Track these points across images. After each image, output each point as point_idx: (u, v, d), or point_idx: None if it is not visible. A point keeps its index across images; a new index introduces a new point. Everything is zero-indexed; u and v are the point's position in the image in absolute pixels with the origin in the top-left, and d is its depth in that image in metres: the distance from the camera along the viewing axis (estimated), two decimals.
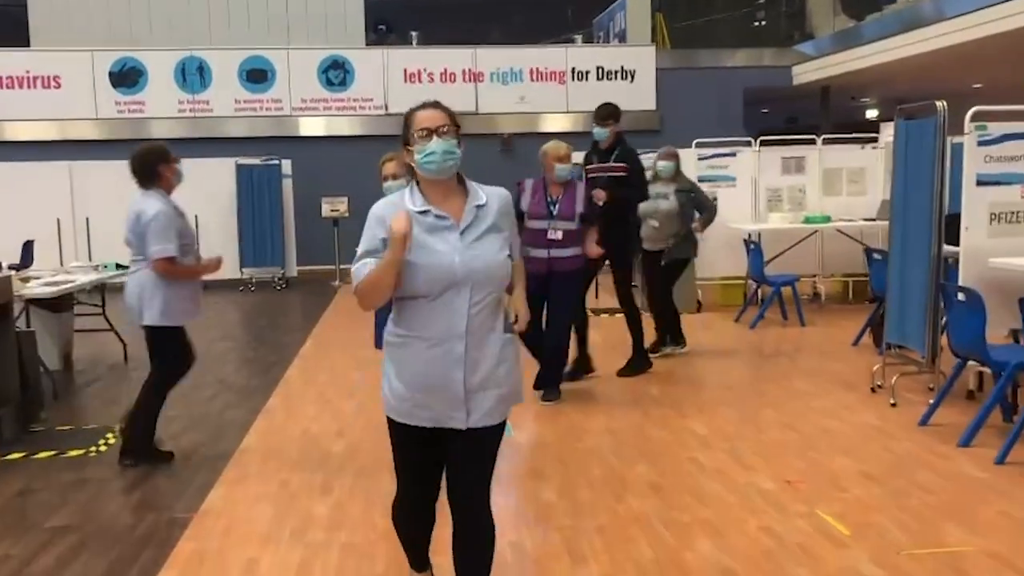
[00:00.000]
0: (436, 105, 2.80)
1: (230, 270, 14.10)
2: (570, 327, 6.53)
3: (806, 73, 16.24)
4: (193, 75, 15.58)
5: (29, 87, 15.20)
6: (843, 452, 5.09)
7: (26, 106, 15.08)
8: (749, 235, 9.80)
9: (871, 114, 20.45)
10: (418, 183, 2.79)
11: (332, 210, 14.14)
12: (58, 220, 13.81)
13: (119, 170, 15.75)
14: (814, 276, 10.61)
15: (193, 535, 4.12)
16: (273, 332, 9.86)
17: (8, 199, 13.40)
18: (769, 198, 10.65)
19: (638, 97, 16.30)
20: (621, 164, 6.85)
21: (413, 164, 2.75)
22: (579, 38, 18.31)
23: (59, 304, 7.55)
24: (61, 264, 11.68)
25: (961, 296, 5.23)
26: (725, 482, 4.65)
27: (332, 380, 7.25)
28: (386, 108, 15.67)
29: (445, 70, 15.97)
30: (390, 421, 2.87)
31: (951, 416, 5.56)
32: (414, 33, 17.49)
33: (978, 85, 16.32)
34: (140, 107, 15.50)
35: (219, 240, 12.81)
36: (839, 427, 5.60)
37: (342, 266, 13.86)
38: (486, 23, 20.54)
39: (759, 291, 9.78)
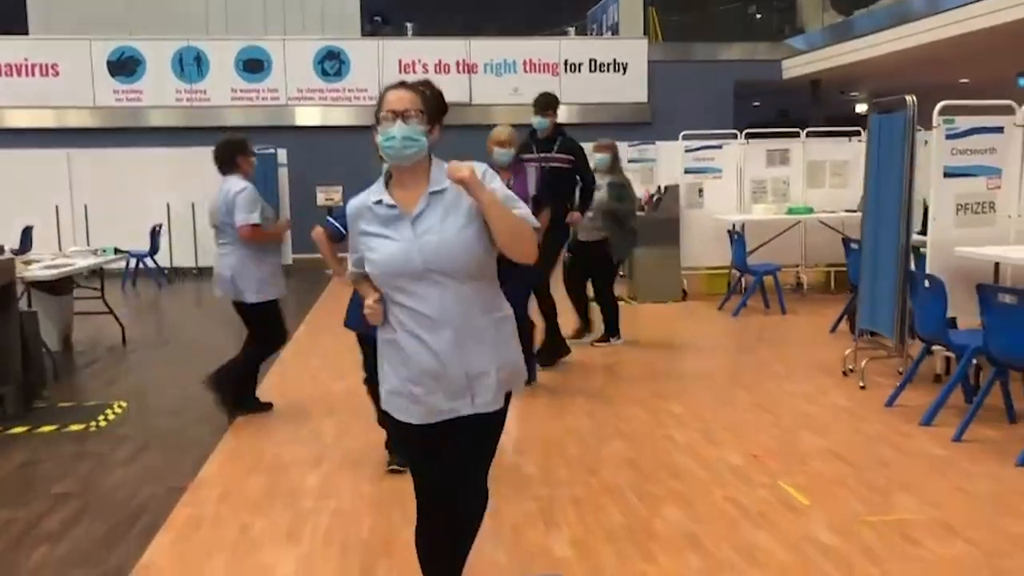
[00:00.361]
0: (411, 87, 2.67)
1: None
2: (524, 310, 6.52)
3: (796, 67, 16.45)
4: (190, 64, 15.75)
5: (28, 75, 15.36)
6: (811, 430, 5.33)
7: (24, 94, 15.25)
8: (733, 225, 10.03)
9: (861, 108, 20.66)
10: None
11: (327, 199, 14.36)
12: (56, 207, 13.99)
13: (117, 158, 15.89)
14: (797, 266, 10.85)
15: (189, 501, 4.35)
16: None
17: (7, 186, 13.59)
18: (754, 189, 10.87)
19: (630, 89, 16.54)
20: (566, 156, 6.90)
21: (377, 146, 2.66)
22: (572, 30, 18.50)
23: (59, 287, 7.75)
24: (59, 250, 11.89)
25: (925, 283, 5.47)
26: (696, 458, 4.89)
27: (324, 364, 7.47)
28: None
29: (440, 61, 16.16)
30: (396, 425, 2.79)
31: (917, 398, 5.79)
32: (409, 24, 17.67)
33: (965, 80, 16.55)
34: (138, 96, 15.66)
35: None
36: (809, 408, 5.84)
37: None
38: (481, 15, 20.73)
39: (742, 280, 10.02)
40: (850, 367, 6.63)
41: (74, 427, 5.63)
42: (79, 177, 14.14)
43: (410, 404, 2.69)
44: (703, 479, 4.56)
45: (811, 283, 10.90)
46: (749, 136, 11.04)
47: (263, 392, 6.16)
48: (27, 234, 12.45)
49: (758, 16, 19.23)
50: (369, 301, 2.67)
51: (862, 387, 6.22)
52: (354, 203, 2.74)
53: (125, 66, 15.66)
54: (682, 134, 11.00)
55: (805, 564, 3.56)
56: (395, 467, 4.59)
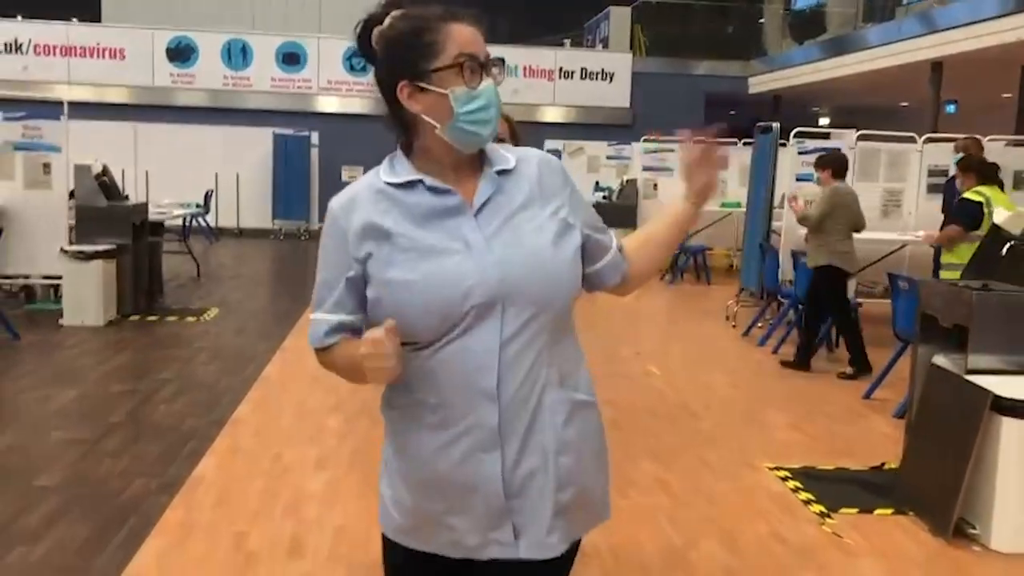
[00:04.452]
0: (473, 18, 1.64)
1: (264, 221, 17.04)
2: None
3: (760, 84, 19.03)
4: (237, 54, 18.36)
5: (99, 57, 17.97)
6: (681, 343, 8.00)
7: (96, 74, 17.86)
8: None
9: (824, 121, 23.24)
10: (405, 147, 1.60)
11: (350, 176, 16.99)
12: (123, 171, 16.60)
13: (174, 132, 19.05)
14: (730, 249, 13.45)
15: (265, 378, 6.97)
16: (301, 271, 12.72)
17: (82, 153, 16.19)
18: None
19: (615, 96, 19.16)
20: None
21: (436, 125, 1.55)
22: (568, 41, 21.05)
23: (155, 229, 10.37)
24: None
25: (769, 252, 8.11)
26: (601, 352, 7.49)
27: None
28: None
29: None
30: (387, 543, 1.70)
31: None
32: None
33: (905, 104, 19.11)
34: (191, 80, 18.27)
35: (256, 195, 15.77)
36: (689, 334, 8.50)
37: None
38: (488, 23, 23.30)
39: (679, 258, 12.65)
40: (733, 313, 9.26)
41: (189, 318, 8.29)
42: (143, 147, 16.80)
43: (421, 525, 1.63)
44: (602, 361, 7.16)
45: (740, 264, 13.51)
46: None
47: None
48: None
49: (728, 37, 21.72)
50: (377, 333, 1.45)
51: (733, 326, 8.86)
52: (348, 194, 1.60)
53: (181, 53, 18.27)
54: (643, 138, 13.60)
55: (643, 393, 6.21)
56: None
